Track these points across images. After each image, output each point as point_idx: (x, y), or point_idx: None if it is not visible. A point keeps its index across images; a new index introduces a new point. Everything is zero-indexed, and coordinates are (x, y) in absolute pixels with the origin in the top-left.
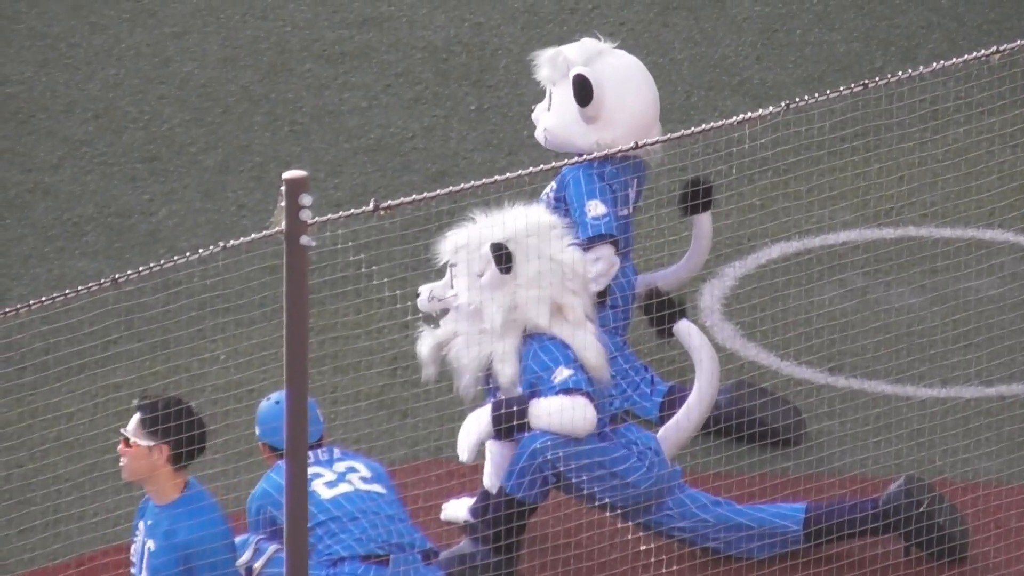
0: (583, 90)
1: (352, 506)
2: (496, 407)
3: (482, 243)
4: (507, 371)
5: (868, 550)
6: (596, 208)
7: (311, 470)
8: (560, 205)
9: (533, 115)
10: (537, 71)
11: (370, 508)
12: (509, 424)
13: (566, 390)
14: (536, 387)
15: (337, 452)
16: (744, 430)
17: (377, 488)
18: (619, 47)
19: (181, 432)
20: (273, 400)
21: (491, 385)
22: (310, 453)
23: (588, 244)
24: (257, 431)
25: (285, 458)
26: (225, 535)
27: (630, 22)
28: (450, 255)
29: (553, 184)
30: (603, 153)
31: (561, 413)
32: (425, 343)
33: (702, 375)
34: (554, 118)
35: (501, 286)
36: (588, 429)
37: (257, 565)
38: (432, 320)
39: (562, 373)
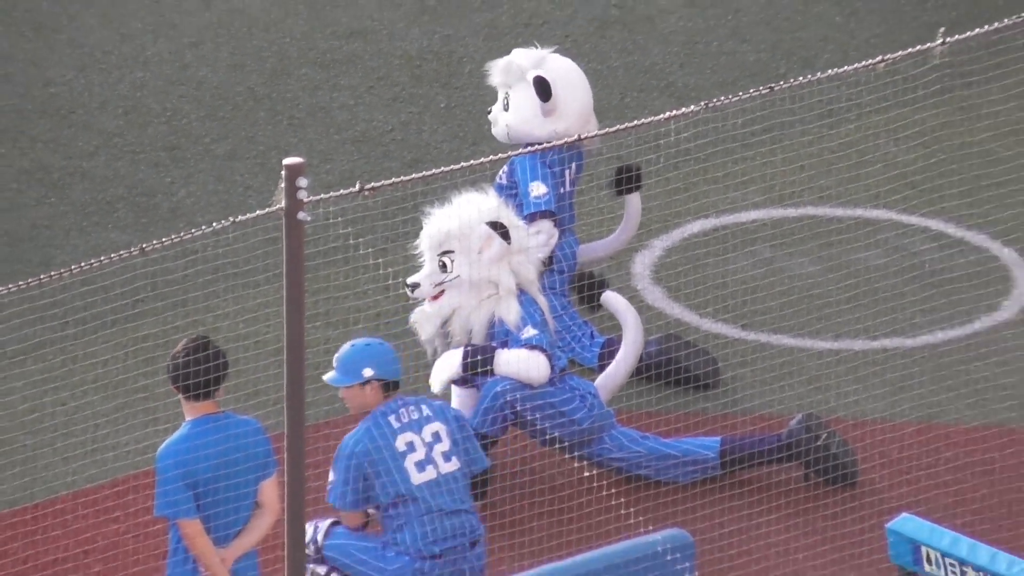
0: (544, 88)
1: (432, 500)
2: (467, 352)
3: (471, 227)
4: (512, 318)
5: (774, 476)
6: (538, 188)
7: (406, 436)
8: (511, 188)
9: (491, 116)
10: (491, 78)
11: (443, 505)
12: (475, 367)
13: (529, 345)
14: (506, 340)
15: (426, 409)
16: (671, 376)
17: (453, 466)
18: (556, 53)
19: (190, 371)
20: (376, 342)
21: (450, 342)
22: (402, 405)
23: (531, 219)
24: (369, 373)
25: (285, 407)
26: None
27: (574, 35)
28: (439, 244)
29: (505, 169)
30: (549, 145)
31: (519, 363)
32: (426, 327)
33: (628, 333)
34: (514, 115)
35: (504, 256)
36: (542, 379)
37: (319, 538)
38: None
39: (529, 331)
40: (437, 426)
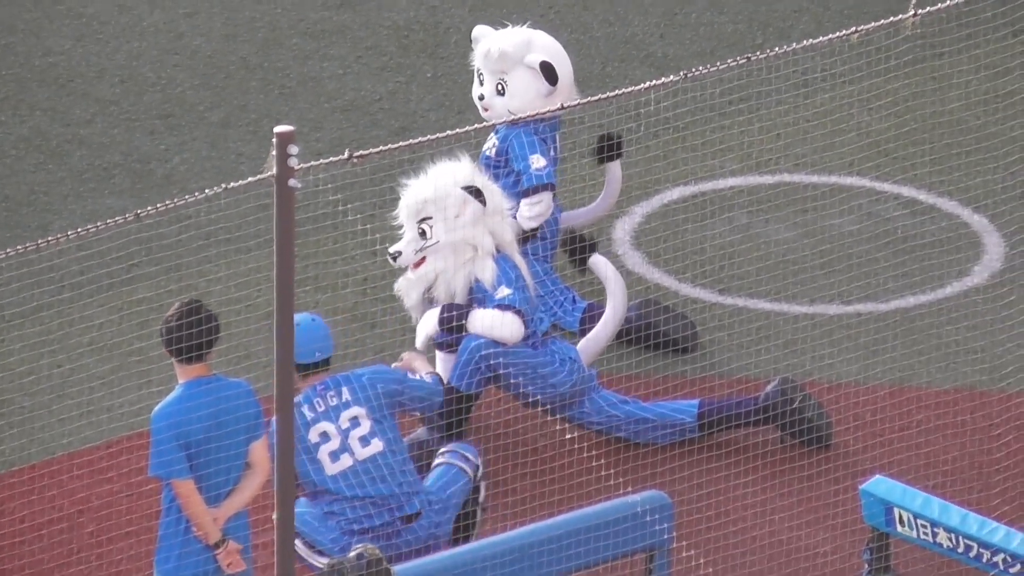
0: (551, 73)
1: (348, 489)
2: (443, 310)
3: (447, 192)
4: (487, 276)
5: (750, 439)
6: (538, 161)
7: (320, 427)
8: (499, 162)
9: (483, 102)
10: (480, 63)
11: (367, 482)
12: (451, 325)
13: (502, 306)
14: (483, 299)
15: (346, 393)
16: (650, 339)
17: (373, 448)
18: (539, 27)
19: (183, 335)
20: (298, 323)
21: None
22: (322, 391)
23: (533, 191)
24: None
25: (275, 372)
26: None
27: (557, 5)
28: (418, 212)
29: (494, 142)
30: (534, 114)
31: (492, 323)
32: (411, 294)
33: (613, 297)
34: (517, 100)
35: (480, 218)
36: (515, 339)
37: None
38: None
39: (503, 291)
40: (355, 411)
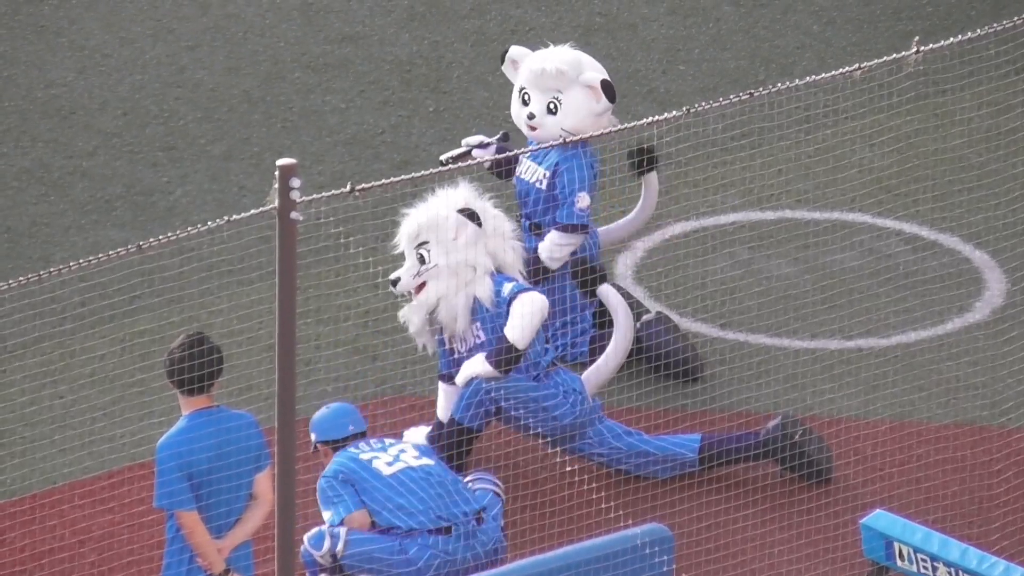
0: (611, 91)
1: (412, 482)
2: (489, 355)
3: (444, 216)
4: (484, 293)
5: (751, 472)
6: (583, 201)
7: (368, 455)
8: (551, 195)
9: (533, 120)
10: (538, 83)
11: (427, 481)
12: (508, 358)
13: (513, 297)
14: (484, 317)
15: (388, 440)
16: (657, 359)
17: (425, 462)
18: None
19: (187, 367)
20: (326, 408)
21: (443, 335)
22: (363, 442)
23: (571, 229)
24: (313, 438)
25: (276, 404)
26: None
27: (559, 41)
28: (415, 237)
29: (543, 173)
30: (576, 138)
31: (523, 319)
32: (414, 320)
33: (619, 329)
34: (572, 118)
35: (477, 240)
36: (547, 307)
37: (339, 549)
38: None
39: (506, 287)
40: (402, 446)
